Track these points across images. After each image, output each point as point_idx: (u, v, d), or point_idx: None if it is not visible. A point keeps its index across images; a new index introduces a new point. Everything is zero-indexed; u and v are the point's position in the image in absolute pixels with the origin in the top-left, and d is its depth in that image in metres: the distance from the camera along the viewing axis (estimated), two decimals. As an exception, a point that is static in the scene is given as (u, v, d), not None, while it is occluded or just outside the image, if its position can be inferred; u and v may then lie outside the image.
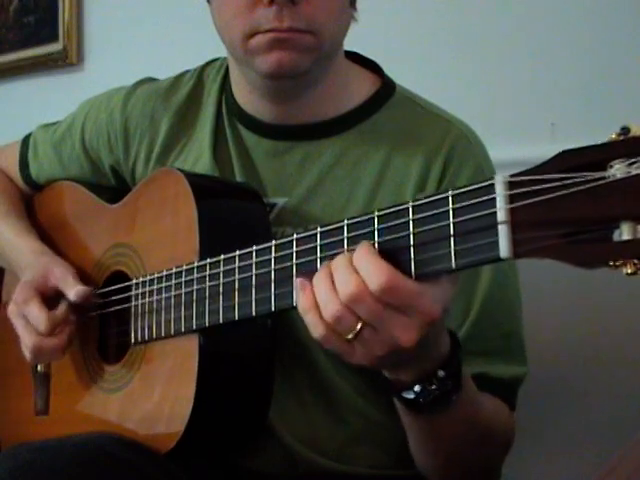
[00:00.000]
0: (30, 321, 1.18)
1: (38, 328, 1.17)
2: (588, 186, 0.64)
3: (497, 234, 0.70)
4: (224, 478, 1.11)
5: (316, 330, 0.84)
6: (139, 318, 1.13)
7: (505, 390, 1.09)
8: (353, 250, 0.82)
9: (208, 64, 1.30)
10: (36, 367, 1.27)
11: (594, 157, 0.65)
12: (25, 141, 1.43)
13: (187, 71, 1.30)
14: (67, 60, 2.24)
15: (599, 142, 0.65)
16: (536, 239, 0.66)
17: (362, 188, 1.13)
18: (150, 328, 1.10)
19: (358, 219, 0.84)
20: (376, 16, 1.73)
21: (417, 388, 0.91)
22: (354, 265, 0.81)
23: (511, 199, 0.69)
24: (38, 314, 1.17)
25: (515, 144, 1.57)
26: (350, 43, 1.22)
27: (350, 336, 0.82)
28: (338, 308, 0.81)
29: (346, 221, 0.85)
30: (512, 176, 0.69)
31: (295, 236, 0.90)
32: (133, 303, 1.14)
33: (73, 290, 1.18)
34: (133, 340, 1.13)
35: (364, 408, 1.13)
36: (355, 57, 1.22)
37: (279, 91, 1.13)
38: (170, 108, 1.26)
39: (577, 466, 1.40)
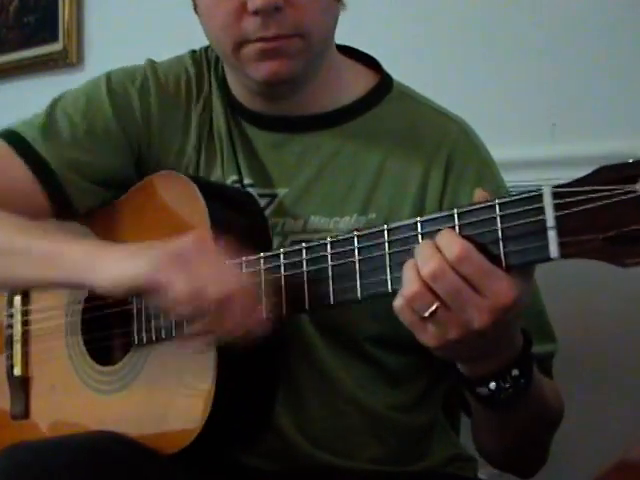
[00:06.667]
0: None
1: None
2: (624, 198, 0.73)
3: (547, 238, 0.78)
4: (223, 476, 1.10)
5: (394, 302, 0.87)
6: (143, 319, 1.10)
7: (545, 367, 1.12)
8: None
9: (206, 50, 1.26)
10: (12, 371, 1.25)
11: (627, 173, 0.74)
12: (8, 134, 1.22)
13: (184, 61, 1.26)
14: (67, 60, 2.24)
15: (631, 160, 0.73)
16: (579, 242, 0.76)
17: (364, 178, 1.14)
18: (157, 329, 1.08)
19: (402, 223, 0.91)
20: (380, 15, 1.74)
21: (492, 385, 0.95)
22: (436, 243, 0.85)
23: (557, 207, 0.78)
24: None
25: (515, 144, 1.58)
26: (355, 41, 1.22)
27: (426, 314, 0.85)
28: (418, 286, 0.84)
29: (385, 226, 0.92)
30: (557, 187, 0.78)
31: (329, 239, 0.96)
32: (136, 305, 1.11)
33: None
34: (137, 341, 1.11)
35: (362, 400, 1.13)
36: (351, 51, 1.22)
37: (275, 92, 1.15)
38: (188, 100, 1.22)
39: (578, 465, 1.43)
